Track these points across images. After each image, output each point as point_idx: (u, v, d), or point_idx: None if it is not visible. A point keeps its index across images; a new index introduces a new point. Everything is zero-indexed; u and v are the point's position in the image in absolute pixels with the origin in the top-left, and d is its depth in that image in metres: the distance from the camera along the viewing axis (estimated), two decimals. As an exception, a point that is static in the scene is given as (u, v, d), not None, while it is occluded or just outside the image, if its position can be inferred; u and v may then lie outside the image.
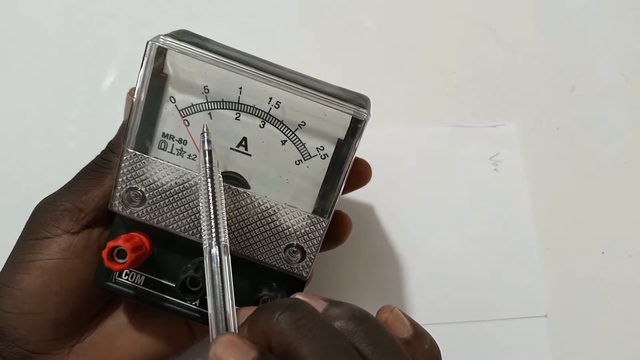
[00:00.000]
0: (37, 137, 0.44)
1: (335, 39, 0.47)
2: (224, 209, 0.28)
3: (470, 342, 0.42)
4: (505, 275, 0.43)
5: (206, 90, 0.29)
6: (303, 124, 0.29)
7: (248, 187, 0.30)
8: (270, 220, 0.31)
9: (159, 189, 0.30)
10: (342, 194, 0.31)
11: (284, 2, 0.47)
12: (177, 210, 0.31)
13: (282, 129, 0.30)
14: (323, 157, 0.30)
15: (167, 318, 0.34)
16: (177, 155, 0.30)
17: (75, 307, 0.32)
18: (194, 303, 0.32)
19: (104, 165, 0.32)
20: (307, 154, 0.30)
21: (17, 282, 0.31)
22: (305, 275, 0.31)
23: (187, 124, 0.30)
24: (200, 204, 0.29)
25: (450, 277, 0.43)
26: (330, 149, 0.30)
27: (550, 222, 0.44)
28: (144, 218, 0.31)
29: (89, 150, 0.33)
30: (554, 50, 0.47)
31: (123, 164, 0.30)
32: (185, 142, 0.30)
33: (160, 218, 0.31)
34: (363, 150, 0.31)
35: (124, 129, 0.31)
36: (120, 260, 0.29)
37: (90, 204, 0.31)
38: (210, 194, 0.28)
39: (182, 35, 0.30)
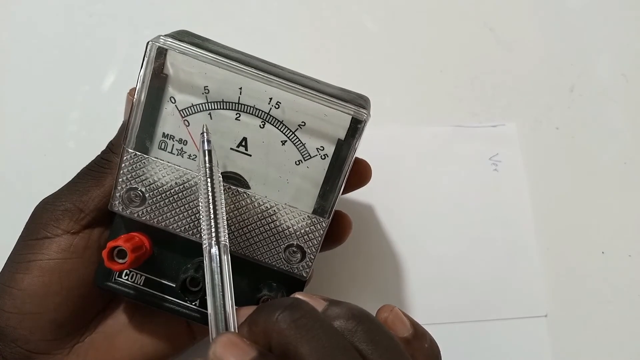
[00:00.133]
0: (37, 137, 0.44)
1: (335, 39, 0.47)
2: (224, 208, 0.28)
3: (470, 342, 0.42)
4: (505, 275, 0.43)
5: (206, 91, 0.29)
6: (303, 124, 0.29)
7: (248, 187, 0.30)
8: (270, 221, 0.31)
9: (159, 189, 0.30)
10: (342, 194, 0.31)
11: (284, 2, 0.47)
12: (177, 210, 0.31)
13: (282, 129, 0.30)
14: (323, 157, 0.30)
15: (167, 318, 0.34)
16: (177, 155, 0.30)
17: (75, 307, 0.32)
18: (194, 303, 0.32)
19: (104, 165, 0.32)
20: (307, 154, 0.30)
21: (17, 282, 0.31)
22: (305, 275, 0.31)
23: (187, 124, 0.30)
24: (200, 203, 0.29)
25: (450, 277, 0.43)
26: (330, 149, 0.30)
27: (550, 222, 0.44)
28: (144, 218, 0.31)
29: (89, 150, 0.33)
30: (554, 50, 0.47)
31: (123, 164, 0.30)
32: (185, 142, 0.30)
33: (160, 218, 0.31)
34: (363, 150, 0.31)
35: (124, 129, 0.31)
36: (121, 261, 0.29)
37: (90, 204, 0.31)
38: (210, 193, 0.28)
39: (182, 36, 0.30)
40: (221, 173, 0.30)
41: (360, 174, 0.35)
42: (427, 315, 0.42)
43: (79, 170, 0.33)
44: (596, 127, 0.46)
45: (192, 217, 0.31)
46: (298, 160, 0.30)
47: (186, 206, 0.30)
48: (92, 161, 0.33)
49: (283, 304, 0.24)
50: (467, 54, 0.47)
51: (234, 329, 0.25)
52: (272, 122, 0.30)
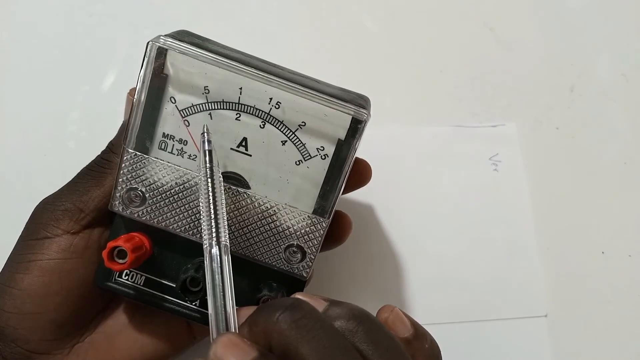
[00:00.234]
0: (37, 137, 0.44)
1: (335, 39, 0.47)
2: (225, 208, 0.28)
3: (470, 342, 0.42)
4: (505, 275, 0.43)
5: (206, 91, 0.29)
6: (303, 124, 0.29)
7: (248, 187, 0.30)
8: (271, 221, 0.31)
9: (159, 189, 0.30)
10: (342, 194, 0.31)
11: (284, 2, 0.47)
12: (178, 210, 0.31)
13: (282, 129, 0.30)
14: (323, 157, 0.30)
15: (167, 318, 0.34)
16: (177, 155, 0.30)
17: (75, 307, 0.32)
18: (194, 303, 0.32)
19: (104, 166, 0.32)
20: (307, 154, 0.30)
21: (17, 282, 0.31)
22: (305, 275, 0.31)
23: (187, 124, 0.30)
24: (200, 203, 0.29)
25: (450, 277, 0.43)
26: (330, 149, 0.30)
27: (550, 222, 0.44)
28: (144, 218, 0.31)
29: (89, 150, 0.33)
30: (554, 50, 0.47)
31: (123, 164, 0.30)
32: (185, 143, 0.30)
33: (160, 218, 0.31)
34: (363, 150, 0.31)
35: (124, 129, 0.31)
36: (121, 261, 0.29)
37: (90, 204, 0.31)
38: (211, 193, 0.28)
39: (182, 36, 0.30)
40: (221, 173, 0.30)
41: (361, 174, 0.35)
42: (427, 315, 0.42)
43: (79, 170, 0.33)
44: (596, 127, 0.46)
45: (192, 217, 0.31)
46: (298, 161, 0.30)
47: (186, 206, 0.30)
48: (92, 161, 0.33)
49: (284, 304, 0.24)
50: (467, 54, 0.47)
51: (235, 329, 0.25)
52: (272, 122, 0.30)
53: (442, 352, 0.28)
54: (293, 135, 0.30)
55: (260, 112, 0.29)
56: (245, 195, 0.30)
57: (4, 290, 0.31)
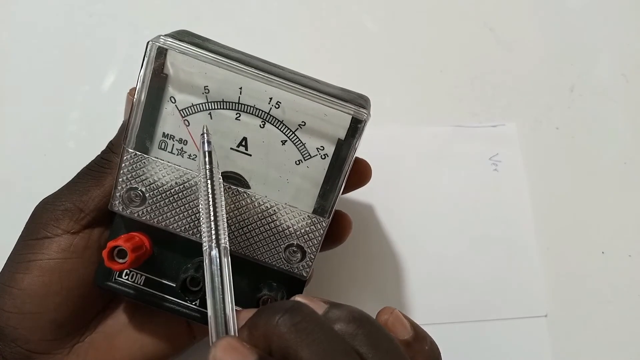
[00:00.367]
0: (37, 137, 0.44)
1: (335, 39, 0.47)
2: (224, 210, 0.28)
3: (470, 342, 0.42)
4: (505, 275, 0.43)
5: (206, 91, 0.29)
6: (303, 124, 0.29)
7: (248, 187, 0.30)
8: (271, 220, 0.31)
9: (159, 189, 0.30)
10: (342, 193, 0.31)
11: (284, 2, 0.47)
12: (178, 210, 0.31)
13: (282, 129, 0.30)
14: (323, 157, 0.30)
15: (167, 318, 0.34)
16: (177, 155, 0.30)
17: (75, 307, 0.32)
18: (194, 303, 0.32)
19: (104, 165, 0.32)
20: (307, 154, 0.30)
21: (17, 281, 0.31)
22: (305, 275, 0.31)
23: (187, 124, 0.30)
24: (200, 205, 0.29)
25: (450, 277, 0.43)
26: (330, 149, 0.30)
27: (550, 222, 0.44)
28: (144, 218, 0.31)
29: (89, 150, 0.33)
30: (554, 50, 0.47)
31: (123, 164, 0.30)
32: (185, 142, 0.30)
33: (160, 218, 0.31)
34: (363, 150, 0.31)
35: (124, 129, 0.31)
36: (121, 260, 0.29)
37: (90, 204, 0.31)
38: (210, 195, 0.28)
39: (182, 36, 0.30)
40: (221, 173, 0.30)
41: (360, 174, 0.35)
42: (427, 315, 0.42)
43: (79, 170, 0.33)
44: (596, 127, 0.46)
45: (192, 216, 0.31)
46: (298, 160, 0.30)
47: (186, 206, 0.30)
48: (92, 161, 0.33)
49: (283, 307, 0.23)
50: (467, 54, 0.47)
51: (234, 332, 0.25)
52: (272, 122, 0.30)
53: (442, 352, 0.28)
54: (293, 135, 0.30)
55: (260, 111, 0.29)
56: (245, 195, 0.30)
57: (4, 290, 0.31)
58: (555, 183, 0.45)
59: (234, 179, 0.30)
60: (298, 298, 0.26)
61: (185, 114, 0.30)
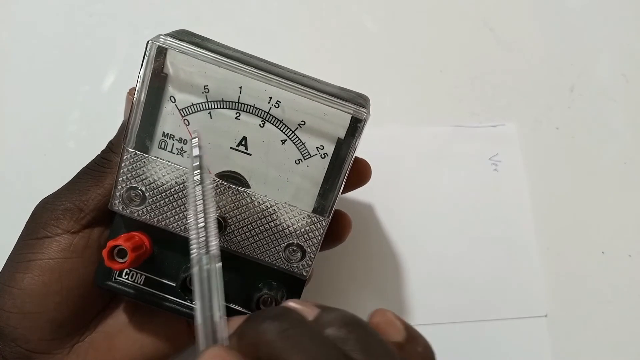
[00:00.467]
0: (37, 137, 0.44)
1: (335, 39, 0.47)
2: (215, 215, 0.27)
3: (470, 342, 0.42)
4: (505, 275, 0.43)
5: (206, 90, 0.29)
6: (303, 123, 0.29)
7: (248, 186, 0.30)
8: (271, 220, 0.31)
9: (159, 189, 0.30)
10: (342, 193, 0.31)
11: (284, 2, 0.47)
12: (178, 209, 0.31)
13: (282, 129, 0.30)
14: (323, 156, 0.30)
15: (167, 318, 0.34)
16: (177, 154, 0.30)
17: (75, 306, 0.32)
18: (194, 302, 0.32)
19: (104, 165, 0.32)
20: (307, 153, 0.30)
21: (17, 281, 0.31)
22: (305, 274, 0.31)
23: (187, 123, 0.30)
24: (188, 211, 0.28)
25: (450, 277, 0.43)
26: (330, 148, 0.30)
27: (550, 222, 0.44)
28: (144, 217, 0.31)
29: (89, 150, 0.33)
30: (554, 50, 0.47)
31: (123, 164, 0.30)
32: (185, 142, 0.30)
33: (160, 217, 0.31)
34: (363, 150, 0.31)
35: (124, 128, 0.31)
36: (121, 260, 0.30)
37: (90, 203, 0.31)
38: (199, 201, 0.27)
39: (182, 35, 0.30)
40: (221, 172, 0.30)
41: (360, 173, 0.35)
42: (427, 315, 0.42)
43: (79, 170, 0.33)
44: (596, 127, 0.46)
45: (192, 216, 0.30)
46: (298, 159, 0.30)
47: (186, 205, 0.30)
48: (92, 161, 0.33)
49: (271, 314, 0.23)
50: (467, 54, 0.47)
51: (223, 340, 0.24)
52: (272, 121, 0.30)
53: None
54: (293, 134, 0.30)
55: (260, 111, 0.29)
56: (245, 194, 0.30)
57: (4, 290, 0.31)
58: (555, 183, 0.45)
59: (233, 179, 0.30)
60: (290, 303, 0.25)
61: (185, 114, 0.30)
